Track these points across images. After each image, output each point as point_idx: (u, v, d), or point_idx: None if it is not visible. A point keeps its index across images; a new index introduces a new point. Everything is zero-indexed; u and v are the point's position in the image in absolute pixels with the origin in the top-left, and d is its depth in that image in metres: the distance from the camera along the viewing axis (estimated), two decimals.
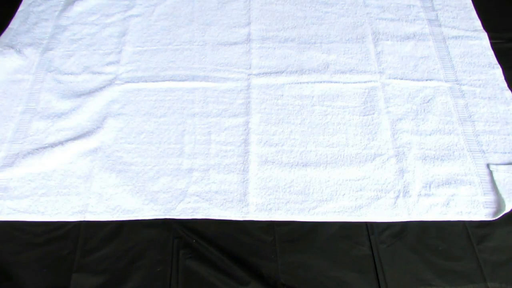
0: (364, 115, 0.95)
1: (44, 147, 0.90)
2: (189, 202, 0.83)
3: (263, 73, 1.02)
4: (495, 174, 0.84)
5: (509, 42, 1.07)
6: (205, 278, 0.76)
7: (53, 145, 0.91)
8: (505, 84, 0.98)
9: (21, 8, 1.17)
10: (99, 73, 1.03)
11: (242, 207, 0.83)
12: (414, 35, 1.08)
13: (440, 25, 1.10)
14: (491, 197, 0.83)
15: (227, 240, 0.80)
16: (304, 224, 0.82)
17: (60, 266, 0.77)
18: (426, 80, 1.00)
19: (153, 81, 1.01)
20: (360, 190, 0.84)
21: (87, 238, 0.80)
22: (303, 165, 0.88)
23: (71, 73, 1.03)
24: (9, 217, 0.82)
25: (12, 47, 1.07)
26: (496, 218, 0.80)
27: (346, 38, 1.08)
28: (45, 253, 0.78)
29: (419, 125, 0.93)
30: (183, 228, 0.81)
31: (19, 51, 1.06)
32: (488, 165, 0.86)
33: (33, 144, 0.91)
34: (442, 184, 0.84)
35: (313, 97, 0.98)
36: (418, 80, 1.00)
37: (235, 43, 1.08)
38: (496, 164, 0.86)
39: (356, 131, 0.92)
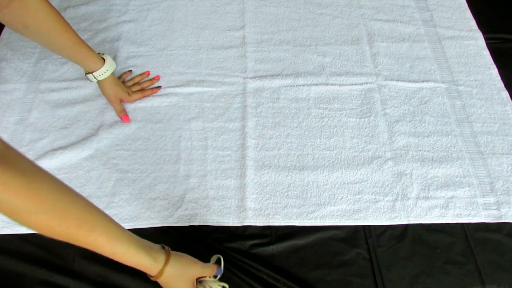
0: (361, 118, 0.94)
1: (39, 158, 0.89)
2: (187, 209, 0.83)
3: (258, 77, 1.01)
4: None
5: (505, 42, 1.07)
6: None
7: (47, 155, 0.90)
8: (501, 85, 0.98)
9: None
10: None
11: (240, 213, 0.82)
12: (410, 36, 1.08)
13: (435, 26, 1.10)
14: (490, 199, 0.83)
15: (226, 242, 0.80)
16: (302, 227, 0.81)
17: (60, 267, 0.76)
18: (423, 81, 0.99)
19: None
20: (358, 193, 0.84)
21: None
22: (300, 169, 0.87)
23: (65, 80, 1.02)
24: (3, 231, 0.80)
25: (3, 57, 1.06)
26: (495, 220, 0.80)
27: (342, 40, 1.08)
28: (45, 254, 0.77)
29: (416, 127, 0.92)
30: (182, 230, 0.81)
31: (10, 61, 1.05)
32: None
33: (27, 155, 0.90)
34: (441, 186, 0.84)
35: (309, 99, 0.97)
36: (414, 81, 0.99)
37: (230, 47, 1.07)
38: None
39: (353, 133, 0.92)
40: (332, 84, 0.99)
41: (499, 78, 0.99)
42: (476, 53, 1.04)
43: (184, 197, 0.84)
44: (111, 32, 1.11)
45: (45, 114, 0.96)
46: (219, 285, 0.72)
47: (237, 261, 0.78)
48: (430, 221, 0.80)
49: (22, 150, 0.91)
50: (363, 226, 0.81)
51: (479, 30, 1.08)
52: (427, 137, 0.91)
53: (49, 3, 0.74)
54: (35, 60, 1.06)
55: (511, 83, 0.98)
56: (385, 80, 1.00)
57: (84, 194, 0.83)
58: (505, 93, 0.97)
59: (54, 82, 1.02)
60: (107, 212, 0.81)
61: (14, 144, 0.90)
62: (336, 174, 0.86)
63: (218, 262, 0.73)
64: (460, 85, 0.98)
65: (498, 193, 0.83)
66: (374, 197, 0.83)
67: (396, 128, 0.92)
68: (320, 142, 0.91)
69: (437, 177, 0.85)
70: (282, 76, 1.01)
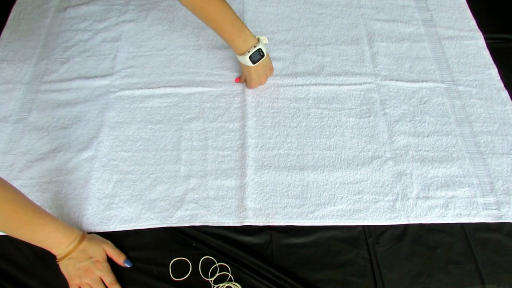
0: (360, 118, 0.94)
1: (38, 158, 0.90)
2: (187, 209, 0.83)
3: None
4: None
5: (505, 42, 1.07)
6: (204, 281, 0.76)
7: (47, 156, 0.90)
8: (501, 84, 0.98)
9: (11, 15, 1.16)
10: (93, 80, 1.02)
11: (240, 213, 0.82)
12: (409, 36, 1.08)
13: (435, 26, 1.10)
14: (490, 199, 0.83)
15: (226, 242, 0.80)
16: (301, 227, 0.81)
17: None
18: (422, 81, 0.99)
19: (148, 88, 1.00)
20: (358, 193, 0.84)
21: None
22: (300, 169, 0.87)
23: (65, 81, 1.02)
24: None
25: (4, 57, 1.07)
26: (495, 220, 0.80)
27: (341, 39, 1.08)
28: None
29: (416, 127, 0.92)
30: (182, 230, 0.81)
31: (11, 61, 1.05)
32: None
33: (27, 155, 0.90)
34: (441, 186, 0.84)
35: (308, 99, 0.97)
36: (414, 81, 0.99)
37: (229, 47, 1.07)
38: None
39: (353, 133, 0.92)
40: (331, 84, 0.99)
41: (499, 78, 0.99)
42: (476, 53, 1.04)
43: (185, 198, 0.84)
44: (111, 32, 1.11)
45: (45, 114, 0.96)
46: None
47: (235, 260, 0.78)
48: (430, 221, 0.80)
49: (21, 150, 0.91)
50: (363, 226, 0.81)
51: (479, 30, 1.08)
52: (427, 137, 0.91)
53: None
54: (36, 60, 1.06)
55: (511, 83, 0.98)
56: (385, 80, 1.00)
57: (83, 196, 0.85)
58: (505, 93, 0.97)
59: (54, 83, 1.02)
60: (106, 213, 0.82)
61: (13, 145, 0.91)
62: (336, 174, 0.86)
63: None
64: (460, 85, 0.98)
65: (498, 193, 0.83)
66: (374, 197, 0.83)
67: (396, 128, 0.92)
68: (320, 142, 0.91)
69: (437, 177, 0.85)
70: (281, 75, 1.01)
